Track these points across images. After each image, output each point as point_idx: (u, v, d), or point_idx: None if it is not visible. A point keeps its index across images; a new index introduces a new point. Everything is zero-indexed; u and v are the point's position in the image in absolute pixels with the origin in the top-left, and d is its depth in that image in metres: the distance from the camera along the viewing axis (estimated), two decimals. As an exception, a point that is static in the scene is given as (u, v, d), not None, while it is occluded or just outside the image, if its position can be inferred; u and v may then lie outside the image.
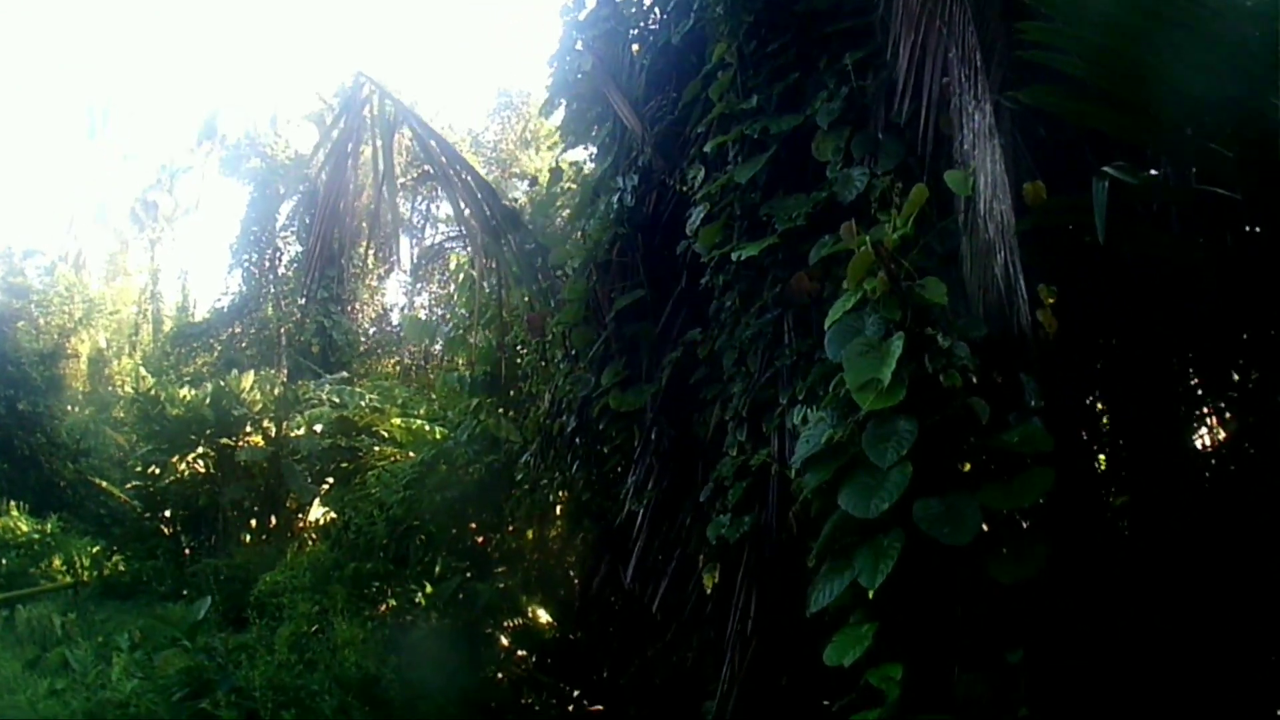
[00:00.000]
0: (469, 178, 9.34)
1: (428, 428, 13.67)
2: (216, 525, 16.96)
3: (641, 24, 8.04)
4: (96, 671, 10.00)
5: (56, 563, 16.55)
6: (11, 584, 15.42)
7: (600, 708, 9.53)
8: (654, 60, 7.54)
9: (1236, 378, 5.44)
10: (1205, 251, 4.90)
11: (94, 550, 16.93)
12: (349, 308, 27.00)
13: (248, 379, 18.37)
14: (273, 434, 17.34)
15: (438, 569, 10.58)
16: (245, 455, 16.88)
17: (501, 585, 10.31)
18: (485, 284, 9.33)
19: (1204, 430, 5.65)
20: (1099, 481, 5.58)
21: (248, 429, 17.44)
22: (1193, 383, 5.56)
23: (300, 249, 27.02)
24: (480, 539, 10.90)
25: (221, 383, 18.19)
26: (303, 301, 25.02)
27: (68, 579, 16.11)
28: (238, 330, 27.65)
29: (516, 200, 16.75)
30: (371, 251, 22.29)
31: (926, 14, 4.84)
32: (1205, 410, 5.58)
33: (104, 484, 20.12)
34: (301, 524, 17.03)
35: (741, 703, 5.66)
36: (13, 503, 17.84)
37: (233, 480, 17.03)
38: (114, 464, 21.68)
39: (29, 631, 12.61)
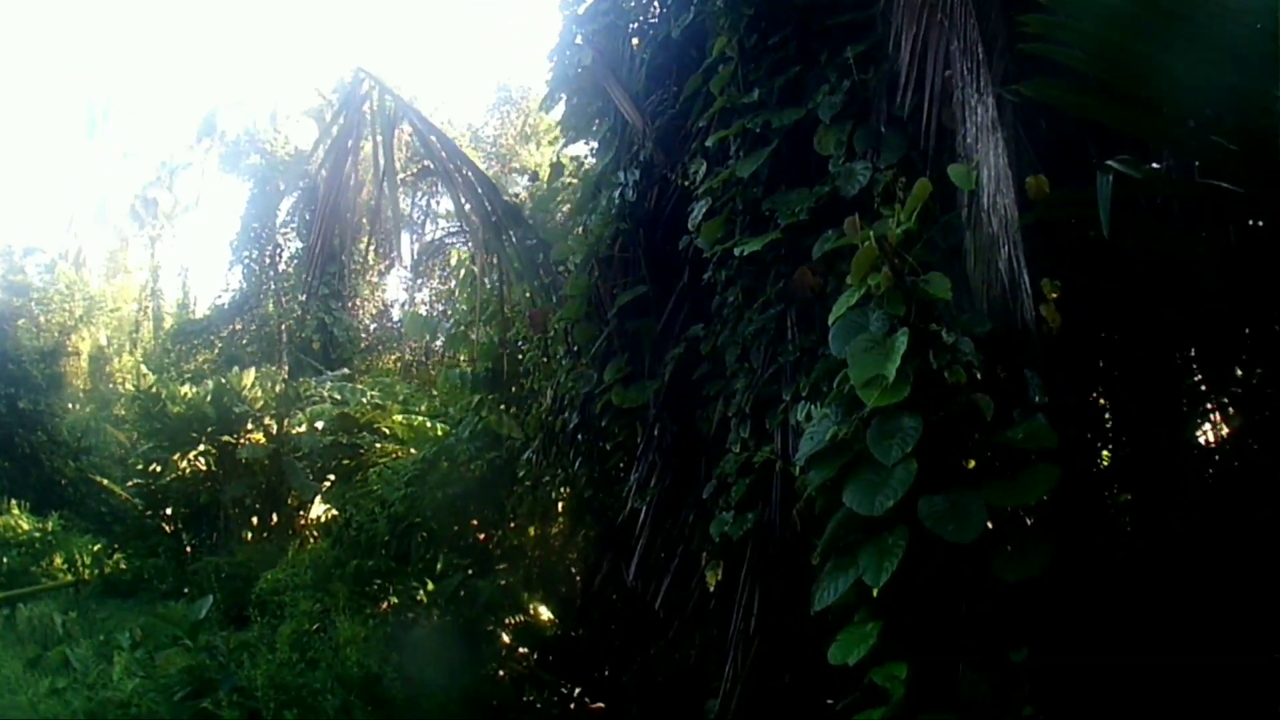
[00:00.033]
0: (469, 173, 9.32)
1: (429, 424, 13.67)
2: (218, 523, 16.95)
3: (641, 18, 8.02)
4: (98, 670, 9.97)
5: (57, 561, 16.53)
6: (12, 582, 15.40)
7: (602, 705, 9.53)
8: (654, 54, 7.51)
9: (1240, 373, 5.41)
10: (1208, 246, 4.86)
11: (95, 548, 16.91)
12: (350, 304, 26.95)
13: (249, 376, 18.34)
14: (274, 431, 17.32)
15: (439, 566, 10.59)
16: (246, 452, 16.86)
17: (503, 582, 10.32)
18: (486, 280, 9.30)
19: (1207, 426, 5.62)
20: (1102, 478, 5.55)
21: (249, 426, 17.42)
22: (1196, 378, 5.53)
23: (300, 245, 26.96)
24: (482, 536, 10.89)
25: (223, 380, 18.17)
26: (303, 298, 24.96)
27: (69, 577, 16.09)
28: (238, 327, 27.60)
29: (517, 196, 16.72)
30: (372, 247, 22.21)
31: (928, 7, 4.82)
32: (1208, 406, 5.55)
33: (105, 482, 20.11)
34: (303, 521, 17.03)
35: (744, 701, 5.65)
36: (14, 501, 17.83)
37: (234, 478, 17.02)
38: (115, 462, 21.67)
39: (30, 630, 12.58)
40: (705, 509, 6.24)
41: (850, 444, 4.25)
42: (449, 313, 15.20)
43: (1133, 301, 5.07)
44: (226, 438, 17.22)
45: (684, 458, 6.85)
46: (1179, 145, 4.64)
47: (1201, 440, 5.56)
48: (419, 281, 28.05)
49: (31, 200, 61.11)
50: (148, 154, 44.73)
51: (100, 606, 14.38)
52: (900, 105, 5.02)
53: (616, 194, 7.42)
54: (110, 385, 28.21)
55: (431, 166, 10.90)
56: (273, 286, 27.42)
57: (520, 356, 10.19)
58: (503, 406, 10.15)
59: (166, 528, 17.75)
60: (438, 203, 27.65)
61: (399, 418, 15.49)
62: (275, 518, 17.41)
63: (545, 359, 9.44)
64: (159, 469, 17.69)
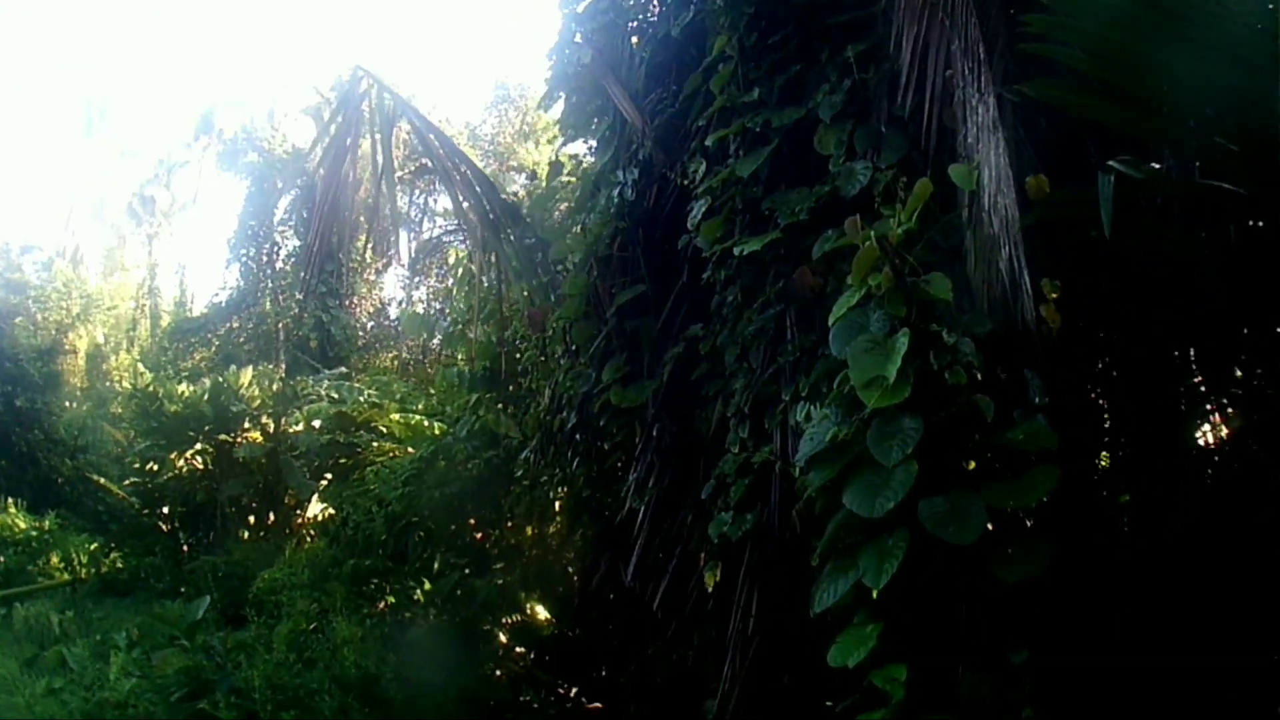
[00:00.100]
0: (468, 171, 9.31)
1: (426, 423, 13.66)
2: (215, 522, 16.92)
3: (641, 16, 8.00)
4: (94, 671, 9.96)
5: (54, 560, 16.47)
6: (9, 581, 15.34)
7: (599, 706, 9.51)
8: (654, 53, 7.50)
9: (1240, 374, 5.41)
10: (1208, 246, 4.86)
11: (92, 547, 16.85)
12: (347, 302, 26.91)
13: (246, 374, 18.32)
14: (271, 430, 17.29)
15: (436, 565, 10.58)
16: (243, 451, 16.83)
17: (500, 582, 10.31)
18: (484, 278, 9.29)
19: (1207, 427, 5.61)
20: (1102, 479, 5.54)
21: (246, 425, 17.39)
22: (1196, 379, 5.52)
23: (298, 243, 26.91)
24: (479, 535, 10.88)
25: (220, 378, 18.14)
26: (300, 296, 24.92)
27: (65, 576, 16.04)
28: (235, 325, 27.54)
29: (515, 194, 16.73)
30: (370, 246, 22.19)
31: (929, 6, 4.81)
32: (1208, 407, 5.54)
33: (102, 480, 20.06)
34: (300, 520, 17.00)
35: (743, 702, 5.64)
36: (10, 499, 17.75)
37: (231, 476, 16.98)
38: (112, 460, 21.61)
39: (26, 630, 12.54)
40: (704, 509, 6.23)
41: (850, 445, 4.24)
42: (447, 311, 15.17)
43: (1133, 302, 5.06)
44: (223, 436, 17.19)
45: (683, 458, 6.84)
46: (1179, 145, 4.63)
47: (1201, 441, 5.55)
48: (417, 280, 28.08)
49: (29, 198, 61.03)
50: (145, 152, 44.61)
51: (97, 606, 14.34)
52: (901, 105, 5.00)
53: (615, 193, 7.41)
54: (107, 383, 28.13)
55: (429, 165, 10.91)
56: (270, 285, 27.38)
57: (518, 355, 10.17)
58: (500, 406, 10.14)
59: (163, 527, 17.72)
60: (435, 201, 27.65)
61: (396, 416, 15.48)
62: (272, 517, 17.38)
63: (543, 358, 9.42)
64: (156, 468, 17.67)
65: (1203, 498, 5.14)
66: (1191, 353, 5.42)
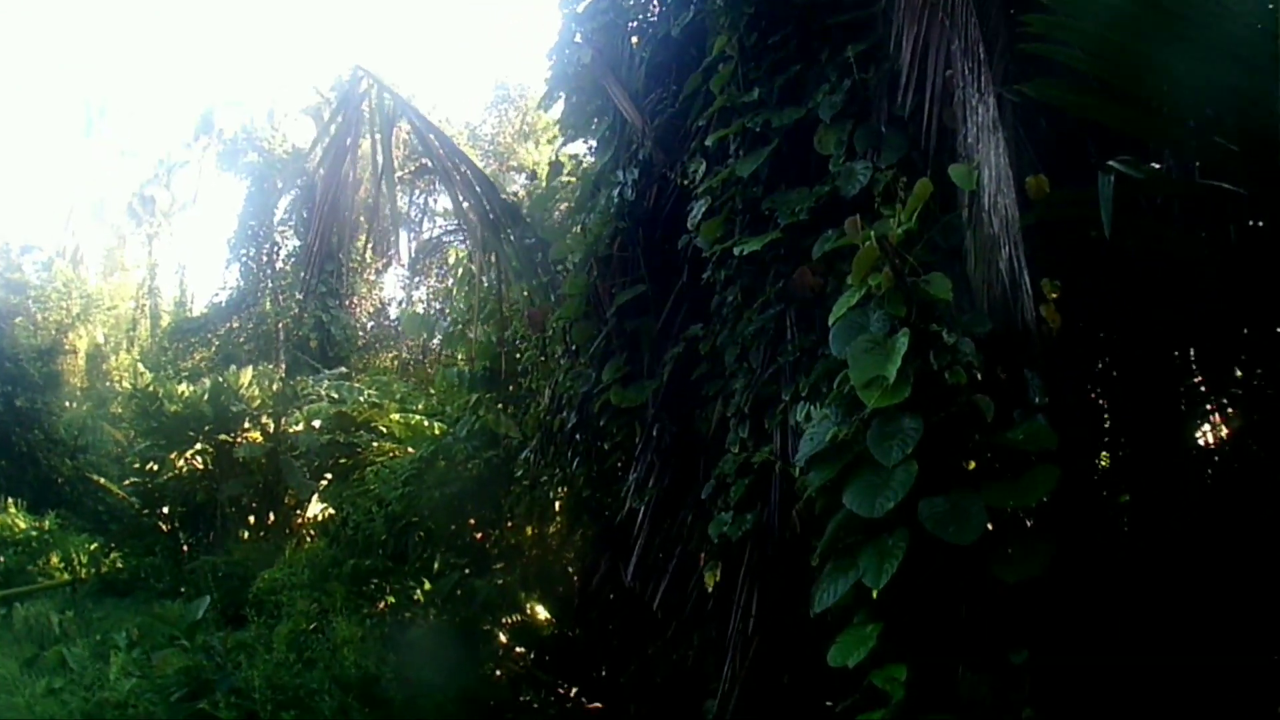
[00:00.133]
0: (468, 171, 9.31)
1: (426, 423, 13.66)
2: (215, 522, 16.92)
3: (641, 16, 8.00)
4: (94, 671, 9.95)
5: (54, 560, 16.47)
6: (9, 581, 15.34)
7: (599, 706, 9.51)
8: (654, 53, 7.49)
9: (1239, 374, 5.40)
10: (1208, 246, 4.86)
11: (92, 547, 16.85)
12: (347, 302, 26.91)
13: (246, 374, 18.31)
14: (271, 430, 17.29)
15: (436, 565, 10.57)
16: (243, 451, 16.83)
17: (500, 582, 10.30)
18: (484, 278, 9.29)
19: (1206, 427, 5.61)
20: (1102, 479, 5.54)
21: (246, 425, 17.38)
22: (1195, 379, 5.52)
23: (298, 243, 26.90)
24: (479, 535, 10.88)
25: (220, 378, 18.14)
26: (300, 296, 24.92)
27: (65, 576, 16.03)
28: (235, 325, 27.53)
29: (515, 194, 16.72)
30: (370, 246, 22.19)
31: (929, 6, 4.81)
32: (1208, 407, 5.54)
33: (102, 480, 20.05)
34: (300, 520, 16.99)
35: (743, 702, 5.63)
36: (10, 499, 17.75)
37: (231, 476, 16.98)
38: (112, 460, 21.60)
39: (27, 630, 12.54)
40: (704, 509, 6.23)
41: (850, 445, 4.24)
42: (447, 311, 15.17)
43: (1133, 302, 5.06)
44: (223, 436, 17.19)
45: (682, 458, 6.84)
46: (1179, 145, 4.63)
47: (1201, 441, 5.55)
48: (416, 280, 28.07)
49: (29, 198, 61.03)
50: (145, 152, 44.62)
51: (97, 606, 14.34)
52: (901, 105, 5.00)
53: (615, 193, 7.41)
54: (107, 383, 28.12)
55: (429, 164, 10.90)
56: (270, 285, 27.37)
57: (518, 355, 10.17)
58: (500, 406, 10.13)
59: (163, 527, 17.72)
60: (435, 201, 27.65)
61: (396, 416, 15.48)
62: (272, 517, 17.38)
63: (543, 358, 9.42)
64: (156, 468, 17.67)
65: (1202, 498, 5.14)
66: (1191, 353, 5.41)
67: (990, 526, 4.02)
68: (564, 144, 9.82)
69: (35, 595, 14.63)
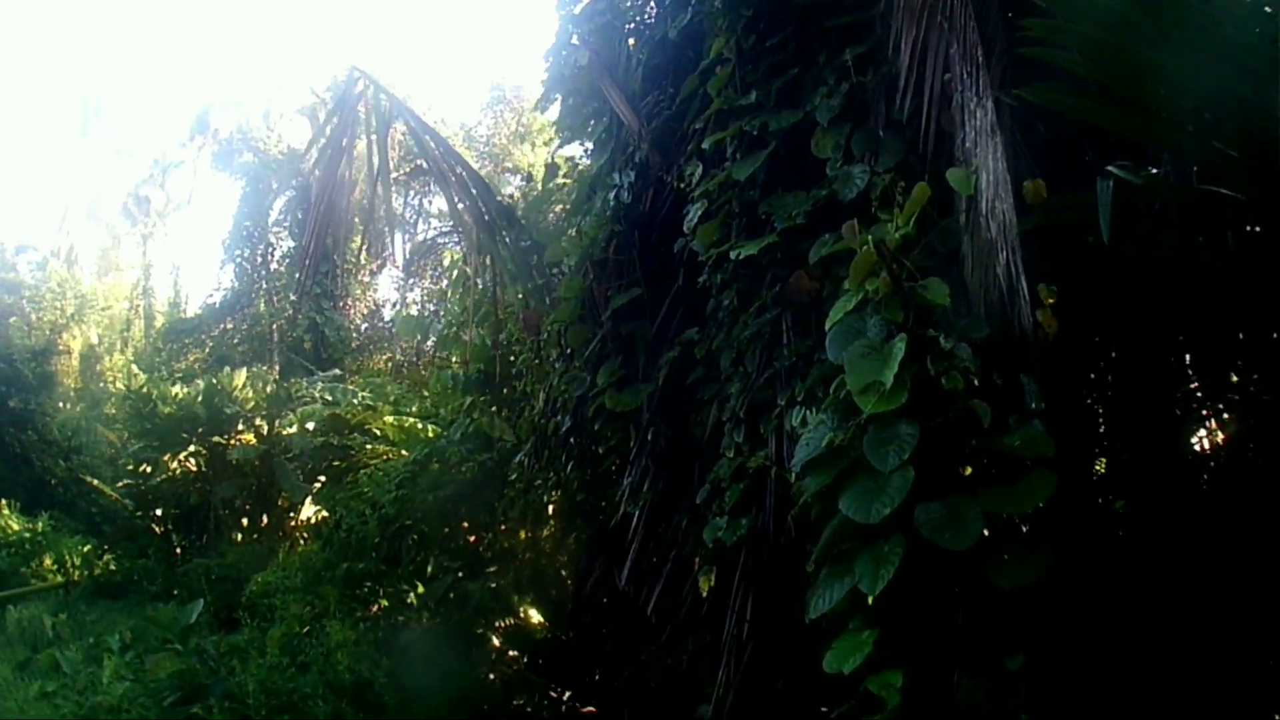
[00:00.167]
0: (463, 173, 9.29)
1: (420, 426, 13.63)
2: (208, 524, 16.91)
3: (638, 18, 7.97)
4: (87, 674, 9.93)
5: (47, 562, 16.45)
6: (2, 584, 15.33)
7: (593, 710, 9.48)
8: (651, 55, 7.47)
9: (1236, 379, 5.39)
10: (1206, 251, 4.85)
11: (85, 549, 16.84)
12: (342, 304, 26.88)
13: (240, 376, 18.29)
14: (265, 432, 17.28)
15: (430, 569, 10.54)
16: (237, 453, 16.82)
17: (494, 585, 10.26)
18: (479, 280, 9.28)
19: (1203, 433, 5.59)
20: (1098, 485, 5.52)
21: (240, 427, 17.39)
22: (1193, 385, 5.51)
23: (293, 244, 26.85)
24: (473, 539, 10.84)
25: (214, 380, 18.12)
26: (295, 298, 24.89)
27: (59, 579, 16.02)
28: (230, 326, 27.48)
29: (511, 196, 16.70)
30: (365, 247, 22.17)
31: (928, 9, 4.79)
32: (1205, 412, 5.53)
33: (95, 482, 20.04)
34: (293, 523, 16.98)
35: (737, 707, 5.61)
36: (3, 501, 17.73)
37: (224, 478, 16.97)
38: (105, 462, 21.60)
39: (19, 633, 12.51)
40: (699, 514, 6.20)
41: (847, 450, 4.23)
42: (441, 314, 15.13)
43: (1130, 307, 5.05)
44: (217, 438, 17.18)
45: (677, 462, 6.81)
46: (1178, 150, 4.62)
47: (1198, 447, 5.54)
48: (411, 281, 28.04)
49: (24, 197, 60.87)
50: (141, 152, 44.41)
51: (90, 608, 14.32)
52: (899, 108, 4.98)
53: (611, 195, 7.38)
54: (101, 384, 28.11)
55: (425, 166, 10.88)
56: (265, 286, 27.31)
57: (513, 359, 10.13)
58: (495, 409, 10.10)
59: (157, 529, 17.71)
60: (431, 202, 27.67)
61: (390, 419, 15.45)
62: (266, 519, 17.36)
63: (538, 361, 9.39)
64: (149, 469, 17.64)
65: (1199, 503, 5.12)
66: (1188, 358, 5.40)
67: (986, 532, 4.00)
68: (560, 146, 9.80)
69: (28, 598, 14.61)
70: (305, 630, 9.78)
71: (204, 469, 17.41)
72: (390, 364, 26.42)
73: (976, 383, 4.26)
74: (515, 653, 10.24)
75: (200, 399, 17.27)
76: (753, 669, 5.58)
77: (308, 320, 25.44)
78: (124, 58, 63.78)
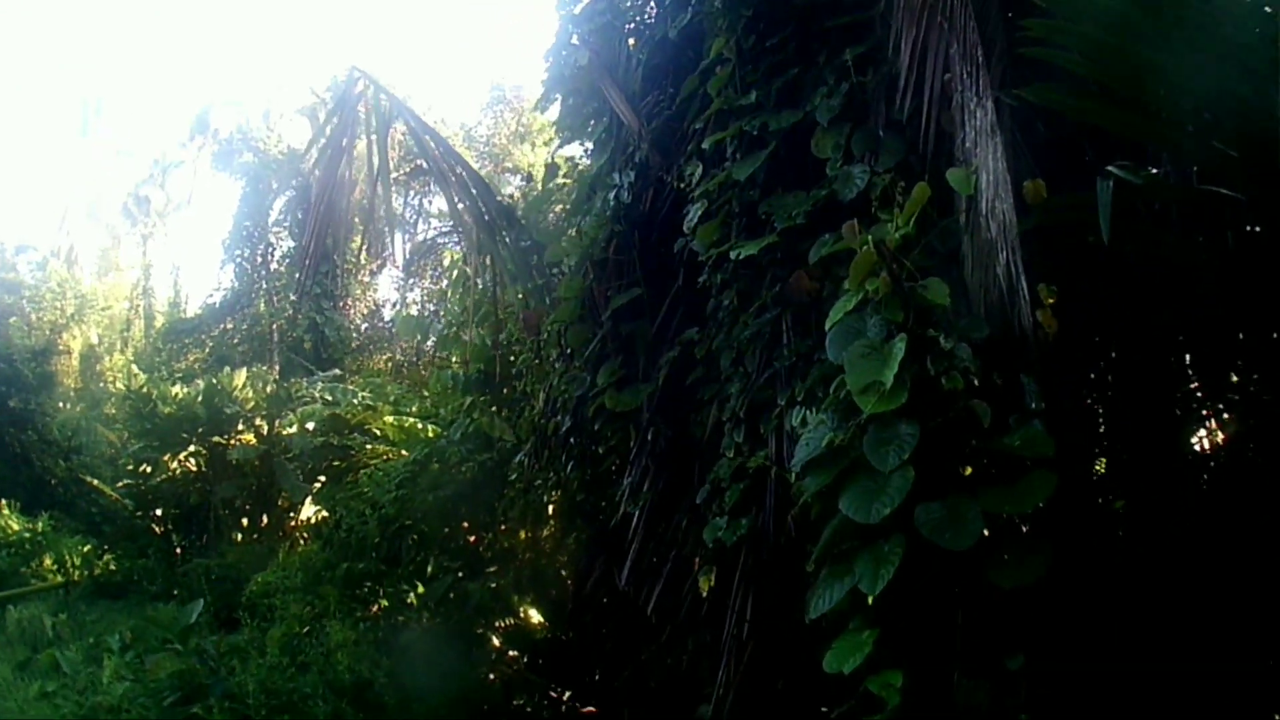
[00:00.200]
0: (463, 173, 9.29)
1: (420, 426, 13.63)
2: (208, 524, 16.91)
3: (638, 18, 7.97)
4: (87, 674, 9.93)
5: (47, 562, 16.46)
6: (2, 584, 15.33)
7: (593, 710, 9.48)
8: (651, 55, 7.46)
9: (1236, 379, 5.39)
10: (1206, 251, 4.84)
11: (85, 549, 16.84)
12: (342, 304, 26.87)
13: (240, 376, 18.29)
14: (265, 432, 17.28)
15: (430, 569, 10.53)
16: (237, 453, 16.82)
17: (494, 585, 10.25)
18: (479, 280, 9.28)
19: (1203, 433, 5.59)
20: (1098, 485, 5.52)
21: (240, 427, 17.39)
22: (1192, 385, 5.50)
23: (293, 244, 26.84)
24: (473, 538, 10.84)
25: (214, 380, 18.12)
26: (295, 298, 24.89)
27: (59, 578, 16.02)
28: (230, 326, 27.47)
29: (511, 196, 16.70)
30: (365, 247, 22.17)
31: (928, 9, 4.79)
32: (1205, 412, 5.53)
33: (95, 482, 20.04)
34: (293, 523, 16.98)
35: (737, 707, 5.61)
36: (4, 501, 17.74)
37: (224, 478, 16.97)
38: (105, 462, 21.60)
39: (20, 633, 12.51)
40: (699, 514, 6.20)
41: (847, 450, 4.22)
42: (441, 314, 15.13)
43: (1130, 307, 5.04)
44: (217, 438, 17.18)
45: (677, 462, 6.81)
46: (1178, 150, 4.62)
47: (1197, 447, 5.54)
48: (411, 281, 28.03)
49: (24, 197, 60.89)
50: (141, 152, 44.50)
51: (90, 608, 14.33)
52: (899, 108, 4.98)
53: (611, 195, 7.37)
54: (101, 384, 28.11)
55: (425, 166, 10.88)
56: (265, 286, 27.30)
57: (513, 359, 10.13)
58: (495, 409, 10.10)
59: (157, 529, 17.70)
60: (431, 202, 27.66)
61: (390, 419, 15.44)
62: (266, 519, 17.36)
63: (538, 361, 9.38)
64: (149, 469, 17.64)
65: (1199, 503, 5.12)
66: (1188, 358, 5.40)
67: (986, 532, 4.00)
68: (560, 146, 9.80)
69: (28, 598, 14.61)
70: (305, 630, 9.78)
71: (204, 469, 17.41)
72: (390, 364, 26.41)
73: (976, 383, 4.26)
74: (515, 653, 10.24)
75: (200, 399, 17.28)
76: (753, 669, 5.58)
77: (308, 320, 25.43)
78: (124, 58, 63.86)
